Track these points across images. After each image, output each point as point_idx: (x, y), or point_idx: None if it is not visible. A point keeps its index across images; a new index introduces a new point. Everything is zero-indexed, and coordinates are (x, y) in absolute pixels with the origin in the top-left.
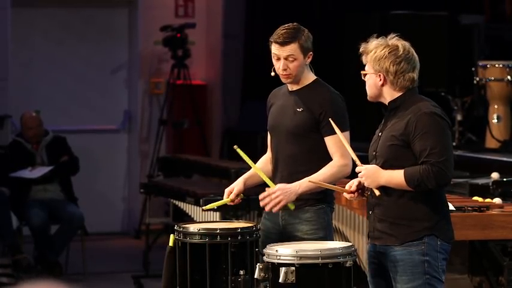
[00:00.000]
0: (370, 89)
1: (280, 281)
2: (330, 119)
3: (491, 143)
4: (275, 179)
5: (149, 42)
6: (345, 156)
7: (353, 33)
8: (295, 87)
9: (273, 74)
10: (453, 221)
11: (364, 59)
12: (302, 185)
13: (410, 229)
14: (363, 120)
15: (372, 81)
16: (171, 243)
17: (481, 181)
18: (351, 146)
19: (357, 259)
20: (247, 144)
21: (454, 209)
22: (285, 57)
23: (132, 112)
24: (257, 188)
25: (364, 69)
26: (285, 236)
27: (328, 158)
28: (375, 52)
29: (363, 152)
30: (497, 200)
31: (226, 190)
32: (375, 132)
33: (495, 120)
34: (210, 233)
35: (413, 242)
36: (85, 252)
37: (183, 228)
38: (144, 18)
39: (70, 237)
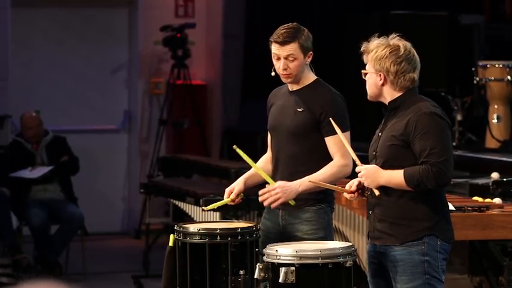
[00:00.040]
0: (370, 89)
1: (280, 281)
2: (330, 119)
3: (491, 143)
4: (275, 178)
5: (149, 42)
6: (346, 156)
7: (353, 33)
8: (295, 87)
9: (273, 74)
10: (453, 221)
11: (365, 58)
12: (302, 183)
13: (410, 229)
14: (363, 120)
15: (372, 80)
16: (171, 243)
17: (481, 181)
18: (351, 146)
19: (357, 259)
20: (247, 144)
21: (454, 209)
22: (285, 56)
23: (132, 112)
24: (257, 187)
25: (364, 69)
26: (285, 236)
27: (328, 158)
28: (376, 51)
29: (363, 152)
30: (497, 200)
31: (227, 190)
32: (375, 132)
33: (495, 120)
34: (210, 233)
35: (413, 242)
36: (85, 252)
37: (183, 228)
38: (144, 18)
39: (70, 237)
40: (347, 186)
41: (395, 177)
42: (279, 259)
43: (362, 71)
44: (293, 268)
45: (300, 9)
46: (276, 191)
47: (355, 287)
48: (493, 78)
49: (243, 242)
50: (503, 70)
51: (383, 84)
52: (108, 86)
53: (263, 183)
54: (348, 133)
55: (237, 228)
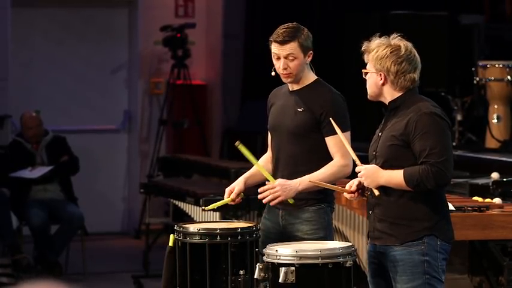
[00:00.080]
0: (371, 88)
1: (280, 281)
2: (330, 119)
3: (491, 143)
4: (276, 178)
5: (149, 42)
6: (346, 156)
7: (353, 33)
8: (295, 87)
9: (273, 73)
10: (453, 221)
11: (365, 57)
12: (302, 182)
13: (410, 229)
14: (363, 120)
15: (372, 80)
16: (171, 243)
17: (481, 181)
18: (351, 146)
19: (357, 259)
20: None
21: (454, 209)
22: (285, 56)
23: (132, 112)
24: (257, 187)
25: (365, 68)
26: (285, 236)
27: (329, 158)
28: (377, 51)
29: (363, 152)
30: (497, 200)
31: (227, 190)
32: (375, 132)
33: (495, 120)
34: (210, 233)
35: (413, 242)
36: (85, 252)
37: (183, 228)
38: (144, 18)
39: (70, 237)
40: (347, 186)
41: (395, 177)
42: (279, 259)
43: (363, 71)
44: (293, 268)
45: (300, 9)
46: (276, 189)
47: (355, 287)
48: (493, 78)
49: (243, 242)
50: (503, 70)
51: (383, 84)
52: (108, 86)
53: (263, 183)
54: (348, 133)
55: (237, 228)
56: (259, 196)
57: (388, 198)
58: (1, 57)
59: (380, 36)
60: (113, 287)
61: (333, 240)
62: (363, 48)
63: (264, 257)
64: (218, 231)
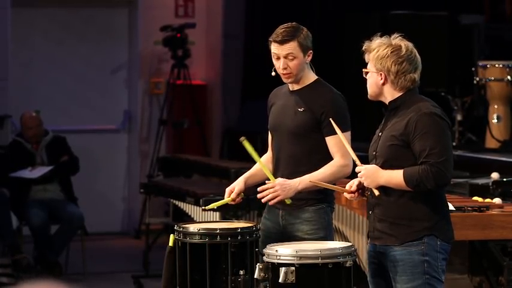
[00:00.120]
0: (371, 88)
1: (280, 281)
2: (330, 119)
3: (491, 143)
4: (276, 178)
5: (149, 42)
6: (346, 156)
7: (353, 33)
8: (296, 87)
9: (273, 74)
10: (453, 221)
11: (366, 57)
12: (302, 182)
13: (410, 229)
14: (363, 120)
15: (373, 79)
16: (171, 243)
17: (481, 181)
18: (351, 146)
19: (357, 259)
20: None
21: (454, 209)
22: (284, 55)
23: (132, 112)
24: (257, 187)
25: (365, 68)
26: (286, 235)
27: (329, 158)
28: (378, 51)
29: (363, 152)
30: (497, 200)
31: (227, 189)
32: (375, 132)
33: (495, 120)
34: (210, 233)
35: (413, 242)
36: (85, 252)
37: (183, 228)
38: (144, 18)
39: (70, 237)
40: (347, 186)
41: (395, 177)
42: (279, 259)
43: (363, 70)
44: (293, 268)
45: (300, 9)
46: (275, 188)
47: (355, 287)
48: (493, 78)
49: (243, 242)
50: (503, 70)
51: (383, 84)
52: (108, 86)
53: (263, 183)
54: (349, 133)
55: (237, 228)
56: (259, 195)
57: (388, 198)
58: (1, 57)
59: (381, 36)
60: (112, 287)
61: (333, 240)
62: (363, 48)
63: (264, 257)
64: (218, 231)
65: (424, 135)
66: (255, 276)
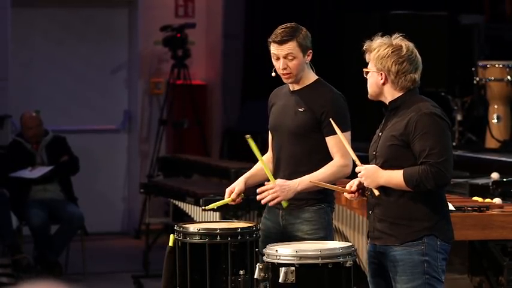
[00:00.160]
0: (371, 87)
1: (280, 281)
2: (330, 119)
3: (491, 143)
4: (277, 178)
5: (149, 42)
6: (346, 156)
7: (353, 33)
8: (296, 87)
9: (273, 74)
10: (453, 221)
11: (367, 56)
12: (302, 182)
13: (410, 229)
14: (364, 120)
15: (373, 79)
16: (171, 243)
17: (481, 181)
18: (351, 146)
19: (357, 259)
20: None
21: (454, 209)
22: (284, 56)
23: (132, 112)
24: (257, 187)
25: (366, 67)
26: (286, 235)
27: (329, 158)
28: (378, 50)
29: (363, 152)
30: (497, 200)
31: (227, 190)
32: (375, 132)
33: (495, 120)
34: (210, 233)
35: (413, 242)
36: (85, 252)
37: (183, 228)
38: (144, 18)
39: (70, 237)
40: (347, 186)
41: (395, 177)
42: (279, 259)
43: (364, 70)
44: (293, 268)
45: (300, 9)
46: (275, 189)
47: (355, 287)
48: (493, 78)
49: (243, 242)
50: (503, 70)
51: (384, 84)
52: (108, 86)
53: (263, 183)
54: (349, 133)
55: (237, 228)
56: (258, 197)
57: (388, 198)
58: (1, 57)
59: (382, 36)
60: (112, 287)
61: (333, 240)
62: (364, 47)
63: (264, 257)
64: (218, 231)
65: (424, 135)
66: (255, 276)
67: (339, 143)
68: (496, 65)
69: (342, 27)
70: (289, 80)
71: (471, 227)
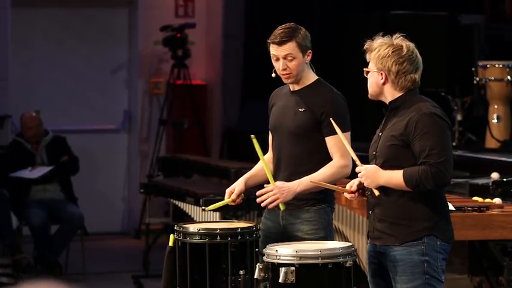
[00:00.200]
0: (372, 87)
1: (280, 281)
2: (330, 119)
3: (491, 143)
4: (277, 179)
5: (149, 42)
6: (345, 156)
7: (353, 33)
8: (296, 87)
9: (273, 75)
10: (453, 221)
11: (367, 56)
12: (301, 183)
13: (410, 229)
14: (363, 120)
15: (373, 79)
16: (171, 243)
17: (481, 181)
18: (351, 146)
19: (357, 259)
20: (247, 144)
21: (454, 209)
22: (283, 56)
23: (132, 112)
24: (257, 188)
25: (366, 67)
26: (286, 235)
27: (329, 158)
28: (379, 50)
29: (363, 152)
30: (497, 200)
31: (227, 190)
32: (375, 132)
33: (495, 120)
34: (210, 233)
35: (413, 242)
36: (85, 252)
37: (183, 228)
38: (144, 18)
39: (70, 237)
40: (347, 186)
41: (395, 177)
42: (279, 259)
43: (364, 69)
44: (293, 268)
45: (299, 9)
46: (274, 192)
47: (355, 287)
48: (493, 78)
49: (243, 242)
50: (503, 70)
51: (384, 83)
52: (108, 86)
53: (264, 184)
54: (349, 133)
55: (237, 228)
56: (258, 200)
57: (388, 198)
58: (1, 57)
59: (383, 36)
60: (112, 287)
61: (333, 240)
62: (365, 47)
63: (264, 257)
64: (218, 231)
65: (424, 135)
66: (255, 276)
67: (338, 143)
68: (496, 65)
69: (342, 27)
70: (289, 81)
71: (471, 227)
